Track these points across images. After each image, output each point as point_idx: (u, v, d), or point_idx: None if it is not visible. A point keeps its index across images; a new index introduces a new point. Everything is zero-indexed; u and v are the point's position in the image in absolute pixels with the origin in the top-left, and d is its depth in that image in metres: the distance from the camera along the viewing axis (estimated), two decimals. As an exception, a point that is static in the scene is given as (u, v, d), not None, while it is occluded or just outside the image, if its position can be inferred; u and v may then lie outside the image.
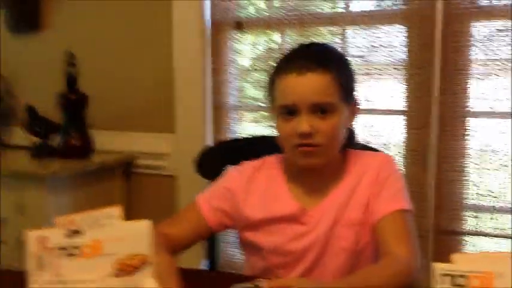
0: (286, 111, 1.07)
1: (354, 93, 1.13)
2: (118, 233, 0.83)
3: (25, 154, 2.10)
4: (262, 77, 1.99)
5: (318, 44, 1.23)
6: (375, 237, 1.08)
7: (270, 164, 1.19)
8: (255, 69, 2.02)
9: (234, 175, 1.20)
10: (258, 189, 1.16)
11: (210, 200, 1.18)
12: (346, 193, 1.11)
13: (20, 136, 2.16)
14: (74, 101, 2.04)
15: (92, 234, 0.82)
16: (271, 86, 1.11)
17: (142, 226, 0.84)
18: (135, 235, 0.83)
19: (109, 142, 2.13)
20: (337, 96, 1.06)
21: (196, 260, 1.69)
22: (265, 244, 1.12)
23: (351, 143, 1.18)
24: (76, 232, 0.82)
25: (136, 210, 2.10)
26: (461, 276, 0.73)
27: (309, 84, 1.04)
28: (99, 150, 2.10)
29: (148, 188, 2.16)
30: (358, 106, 1.14)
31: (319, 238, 1.09)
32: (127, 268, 0.83)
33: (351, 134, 1.19)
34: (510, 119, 1.68)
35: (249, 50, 2.06)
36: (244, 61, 2.05)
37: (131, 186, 2.18)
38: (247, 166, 1.20)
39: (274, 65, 1.13)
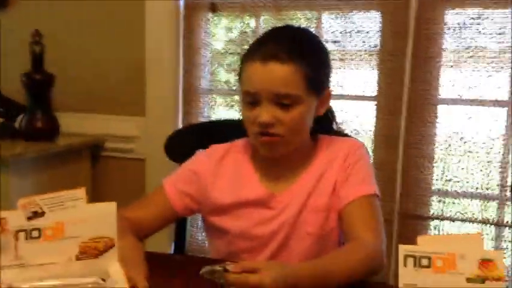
0: (249, 99, 1.05)
1: (326, 82, 1.10)
2: (81, 215, 0.81)
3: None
4: (236, 61, 1.97)
5: (291, 29, 1.18)
6: (340, 221, 1.08)
7: (239, 147, 1.18)
8: (229, 53, 1.99)
9: (201, 158, 1.18)
10: (226, 173, 1.14)
11: (176, 183, 1.16)
12: (315, 178, 1.10)
13: (-17, 117, 2.09)
14: (39, 81, 1.97)
15: (54, 216, 0.80)
16: (240, 70, 1.09)
17: (107, 208, 0.82)
18: (100, 217, 0.82)
19: (77, 124, 2.09)
20: (302, 88, 1.03)
21: (164, 244, 1.68)
22: (231, 228, 1.12)
23: (329, 128, 1.18)
24: (38, 214, 0.79)
25: (105, 193, 2.07)
26: (425, 257, 0.74)
27: (271, 74, 1.01)
28: (66, 133, 2.05)
29: (117, 171, 2.13)
30: (330, 94, 1.12)
31: (286, 223, 1.09)
32: (91, 251, 0.81)
33: (331, 119, 1.19)
34: (480, 106, 1.71)
35: (223, 33, 2.03)
36: (218, 44, 2.03)
37: (99, 170, 2.15)
38: (216, 149, 1.18)
39: (247, 48, 1.11)
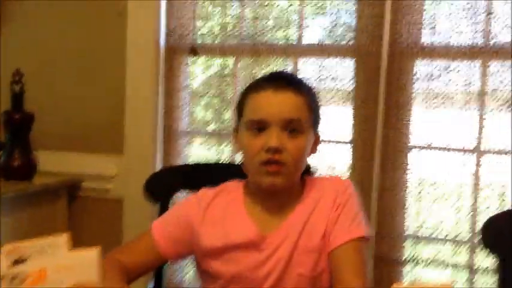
0: (255, 127, 1.07)
1: (319, 123, 1.16)
2: (64, 261, 0.82)
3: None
4: (214, 101, 2.02)
5: (288, 72, 1.26)
6: (329, 264, 1.09)
7: (230, 188, 1.19)
8: (207, 94, 2.04)
9: (191, 203, 1.18)
10: (216, 217, 1.14)
11: (166, 228, 1.16)
12: (304, 218, 1.11)
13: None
14: (18, 121, 1.98)
15: (37, 263, 0.81)
16: (242, 103, 1.12)
17: (90, 255, 0.84)
18: (83, 264, 0.83)
19: (54, 163, 2.08)
20: (308, 119, 1.09)
21: (141, 284, 1.67)
22: (224, 273, 1.11)
23: (307, 173, 1.20)
24: (21, 260, 0.80)
25: (82, 233, 2.05)
26: (399, 306, 0.77)
27: (285, 100, 1.07)
28: (44, 172, 2.04)
29: (95, 211, 2.12)
30: (320, 139, 1.16)
31: (278, 264, 1.08)
32: (73, 298, 0.82)
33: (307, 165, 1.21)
34: (451, 153, 1.78)
35: (201, 74, 2.08)
36: (197, 85, 2.07)
37: (76, 210, 2.13)
38: (206, 193, 1.19)
39: (245, 86, 1.15)
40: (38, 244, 0.81)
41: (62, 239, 0.82)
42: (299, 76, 1.23)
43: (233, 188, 1.19)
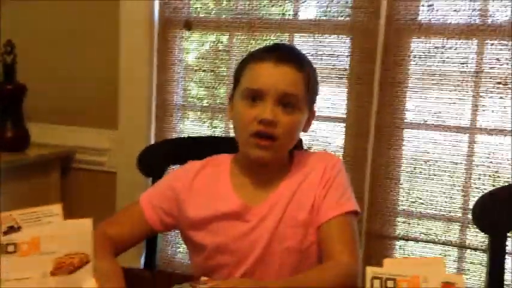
0: (251, 96, 1.07)
1: (315, 99, 1.16)
2: (58, 231, 0.81)
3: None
4: (208, 77, 2.00)
5: (290, 45, 1.25)
6: (318, 237, 1.09)
7: (216, 161, 1.19)
8: (201, 69, 2.02)
9: (178, 174, 1.20)
10: (202, 188, 1.15)
11: (152, 199, 1.17)
12: (291, 191, 1.11)
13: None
14: (10, 92, 1.96)
15: (30, 232, 0.80)
16: (240, 71, 1.12)
17: (83, 224, 0.83)
18: (76, 233, 0.82)
19: (48, 136, 2.08)
20: (304, 96, 1.09)
21: (133, 257, 1.68)
22: (208, 243, 1.12)
23: (296, 148, 1.20)
24: (14, 228, 0.80)
25: (75, 206, 2.05)
26: (391, 279, 0.78)
27: (284, 74, 1.06)
28: (37, 144, 2.03)
29: (88, 183, 2.12)
30: (315, 113, 1.17)
31: (263, 236, 1.09)
32: (66, 266, 0.82)
33: (298, 141, 1.21)
34: (445, 132, 1.79)
35: (195, 49, 2.06)
36: (191, 60, 2.05)
37: (69, 182, 2.13)
38: (193, 165, 1.19)
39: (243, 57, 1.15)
40: (31, 213, 0.81)
41: (56, 209, 0.82)
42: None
43: (221, 160, 1.19)
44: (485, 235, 1.22)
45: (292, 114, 1.07)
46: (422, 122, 1.81)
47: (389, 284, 0.78)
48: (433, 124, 1.80)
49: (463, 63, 1.75)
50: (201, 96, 2.05)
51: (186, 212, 1.14)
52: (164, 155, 1.47)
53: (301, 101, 1.08)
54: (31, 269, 0.81)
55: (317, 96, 1.17)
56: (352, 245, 1.05)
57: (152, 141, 2.03)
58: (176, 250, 2.04)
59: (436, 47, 1.77)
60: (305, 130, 1.15)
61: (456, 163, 1.78)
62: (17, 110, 1.98)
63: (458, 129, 1.78)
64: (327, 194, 1.10)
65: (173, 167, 1.52)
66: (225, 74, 1.99)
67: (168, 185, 1.18)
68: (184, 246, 1.98)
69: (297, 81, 1.08)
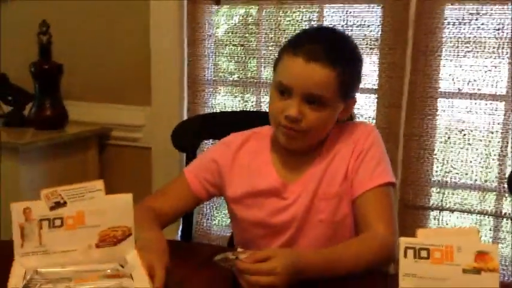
0: (281, 89, 1.07)
1: (355, 91, 1.14)
2: (101, 205, 0.85)
3: (-3, 123, 2.08)
4: (238, 51, 2.01)
5: (336, 33, 1.16)
6: (353, 210, 1.10)
7: (259, 135, 1.20)
8: (231, 43, 2.02)
9: (221, 148, 1.21)
10: (243, 163, 1.17)
11: (197, 171, 1.19)
12: (325, 165, 1.12)
13: (-8, 105, 2.13)
14: (47, 71, 2.01)
15: (75, 206, 0.85)
16: (279, 57, 1.11)
17: (124, 199, 0.87)
18: (118, 208, 0.86)
19: (84, 113, 2.13)
20: (335, 93, 1.06)
21: (171, 231, 1.74)
22: (246, 217, 1.15)
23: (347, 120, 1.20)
24: (60, 204, 0.84)
25: (112, 181, 2.11)
26: (424, 249, 0.79)
27: (311, 75, 1.04)
28: (74, 121, 2.09)
29: (124, 159, 2.17)
30: (355, 102, 1.15)
31: (299, 212, 1.11)
32: (109, 239, 0.86)
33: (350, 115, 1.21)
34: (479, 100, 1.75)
35: (225, 23, 2.07)
36: (220, 34, 2.06)
37: (106, 158, 2.19)
38: (235, 138, 1.21)
39: (289, 38, 1.14)
40: (75, 189, 0.85)
41: (98, 184, 0.86)
42: (340, 38, 1.13)
43: (263, 134, 1.20)
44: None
45: (319, 111, 1.06)
46: (456, 91, 1.78)
47: (423, 253, 0.79)
48: (468, 93, 1.77)
49: (498, 29, 1.70)
50: (231, 71, 2.06)
51: (227, 186, 1.17)
52: (197, 130, 1.50)
53: (329, 99, 1.06)
54: (76, 242, 0.85)
55: (358, 86, 1.15)
56: (388, 216, 1.06)
57: (185, 117, 2.06)
58: (212, 223, 2.09)
59: (470, 13, 1.72)
60: (342, 117, 1.14)
61: (492, 132, 1.75)
62: (54, 89, 2.03)
63: (494, 97, 1.74)
64: (360, 167, 1.10)
65: (206, 141, 1.55)
66: (254, 47, 1.98)
67: (211, 158, 1.20)
68: (219, 218, 2.06)
69: (327, 81, 1.05)
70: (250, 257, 0.87)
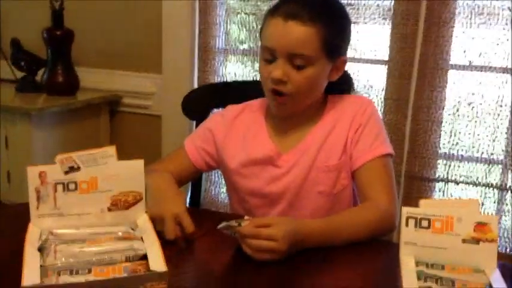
0: (266, 54, 1.07)
1: (342, 49, 1.13)
2: (113, 171, 0.89)
3: (10, 88, 2.10)
4: (249, 19, 2.00)
5: None
6: (354, 182, 1.12)
7: (254, 107, 1.22)
8: (242, 12, 2.02)
9: (216, 118, 1.23)
10: (238, 133, 1.19)
11: (195, 141, 1.22)
12: (322, 137, 1.13)
13: (5, 70, 2.15)
14: (59, 37, 2.02)
15: (88, 171, 0.88)
16: (263, 23, 1.11)
17: (136, 165, 0.90)
18: (129, 173, 0.89)
19: (95, 80, 2.15)
20: (317, 50, 1.05)
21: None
22: (242, 187, 1.17)
23: (346, 89, 1.20)
24: (74, 169, 0.87)
25: (122, 147, 2.14)
26: (425, 219, 0.81)
27: (290, 33, 1.04)
28: (85, 88, 2.11)
29: (135, 126, 2.20)
30: (345, 62, 1.14)
31: (295, 181, 1.12)
32: (121, 203, 0.90)
33: (348, 81, 1.21)
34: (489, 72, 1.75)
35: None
36: (232, 2, 2.05)
37: (117, 124, 2.22)
38: (231, 109, 1.23)
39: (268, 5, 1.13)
40: (89, 154, 0.88)
41: (111, 150, 0.89)
42: None
43: (257, 106, 1.21)
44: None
45: (303, 71, 1.06)
46: (467, 64, 1.77)
47: (424, 223, 0.81)
48: (478, 65, 1.76)
49: (512, 1, 1.68)
50: (242, 40, 2.06)
51: (223, 156, 1.19)
52: (208, 99, 1.51)
53: (312, 57, 1.05)
54: (90, 205, 0.89)
55: (347, 42, 1.13)
56: (388, 187, 1.07)
57: (195, 85, 2.07)
58: (220, 190, 2.13)
59: (484, -16, 1.70)
60: (332, 78, 1.13)
61: (501, 105, 1.75)
62: (66, 55, 2.05)
63: (505, 70, 1.73)
64: (359, 140, 1.11)
65: (216, 110, 1.56)
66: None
67: (208, 128, 1.22)
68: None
69: (307, 39, 1.04)
70: (251, 223, 0.89)
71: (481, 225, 0.80)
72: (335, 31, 1.09)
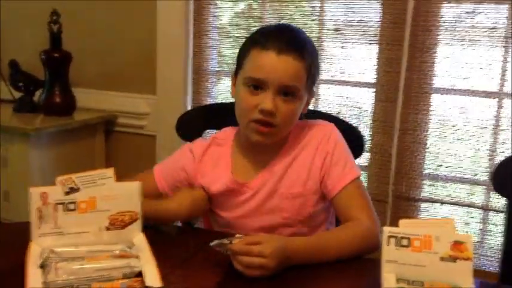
0: (253, 84, 1.09)
1: (316, 81, 1.18)
2: (111, 191, 0.93)
3: (8, 108, 2.15)
4: (241, 43, 2.05)
5: (294, 28, 1.19)
6: (334, 209, 1.16)
7: (219, 140, 1.24)
8: (234, 35, 2.08)
9: (187, 155, 1.24)
10: (207, 169, 1.21)
11: (166, 174, 1.23)
12: (286, 164, 1.15)
13: (3, 91, 2.20)
14: (57, 59, 2.08)
15: (87, 192, 0.92)
16: (244, 54, 1.13)
17: (133, 186, 0.95)
18: (127, 194, 0.94)
19: (91, 100, 2.20)
20: (304, 84, 1.11)
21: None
22: (214, 217, 1.23)
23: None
24: (74, 189, 0.92)
25: (117, 166, 2.17)
26: (405, 238, 0.86)
27: (285, 66, 1.07)
28: (81, 108, 2.16)
29: (129, 146, 2.25)
30: (313, 96, 1.20)
31: (258, 209, 1.16)
32: (118, 223, 0.94)
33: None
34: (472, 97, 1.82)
35: (229, 16, 2.12)
36: (225, 26, 2.12)
37: (112, 144, 2.27)
38: (199, 146, 1.23)
39: (249, 36, 1.16)
40: (88, 176, 0.93)
41: (109, 172, 0.94)
42: (303, 37, 1.16)
43: (223, 139, 1.23)
44: (504, 198, 1.28)
45: (290, 103, 1.09)
46: (450, 88, 1.84)
47: (404, 242, 0.86)
48: (461, 89, 1.83)
49: (492, 29, 1.76)
50: (235, 62, 2.11)
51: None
52: (202, 120, 1.56)
53: (301, 90, 1.10)
54: (89, 224, 0.93)
55: (318, 78, 1.19)
56: (366, 207, 1.12)
57: (189, 106, 2.13)
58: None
59: (466, 12, 1.78)
60: (304, 110, 1.18)
61: (483, 128, 1.82)
62: (64, 76, 2.10)
63: (487, 94, 1.81)
64: (331, 169, 1.14)
65: (209, 131, 1.61)
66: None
67: (178, 164, 1.23)
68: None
69: (298, 72, 1.09)
70: (242, 240, 0.94)
71: (457, 243, 0.85)
72: (316, 65, 1.16)
